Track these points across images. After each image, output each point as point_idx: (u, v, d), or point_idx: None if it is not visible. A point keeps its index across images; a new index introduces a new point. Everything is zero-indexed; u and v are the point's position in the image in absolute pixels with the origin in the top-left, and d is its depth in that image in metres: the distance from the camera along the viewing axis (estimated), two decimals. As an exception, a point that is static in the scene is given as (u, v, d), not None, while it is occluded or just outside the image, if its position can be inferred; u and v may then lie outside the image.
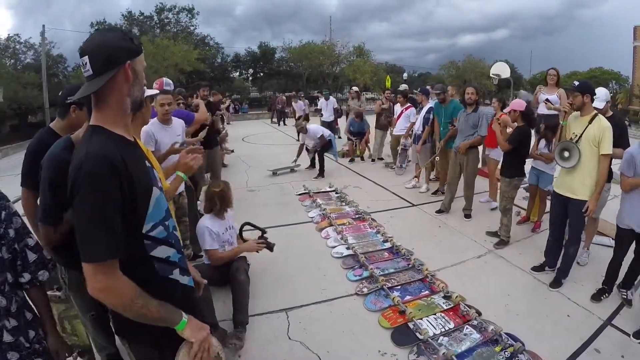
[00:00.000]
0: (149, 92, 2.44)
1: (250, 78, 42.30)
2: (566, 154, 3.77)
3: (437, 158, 6.67)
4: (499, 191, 5.26)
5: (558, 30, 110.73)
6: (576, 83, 3.69)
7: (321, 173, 7.89)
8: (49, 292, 2.03)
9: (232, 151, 10.02)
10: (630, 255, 3.66)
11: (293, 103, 16.45)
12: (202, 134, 5.19)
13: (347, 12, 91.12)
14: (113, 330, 1.53)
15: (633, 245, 3.62)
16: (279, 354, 2.91)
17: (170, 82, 5.13)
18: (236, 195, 6.44)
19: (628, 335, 3.24)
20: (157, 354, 1.48)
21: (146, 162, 1.42)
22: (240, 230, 3.73)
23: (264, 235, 3.67)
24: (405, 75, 38.54)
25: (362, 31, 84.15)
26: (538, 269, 4.29)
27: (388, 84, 24.13)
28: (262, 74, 40.95)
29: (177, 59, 26.40)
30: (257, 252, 3.59)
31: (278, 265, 4.19)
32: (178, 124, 3.98)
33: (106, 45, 1.24)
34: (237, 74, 41.67)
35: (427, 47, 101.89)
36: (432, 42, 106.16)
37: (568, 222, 4.03)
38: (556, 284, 4.00)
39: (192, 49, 29.03)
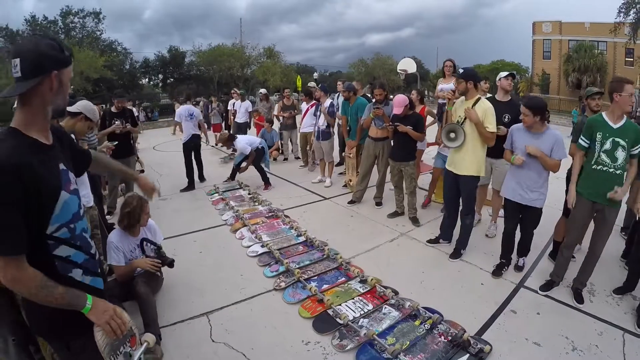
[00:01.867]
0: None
1: (160, 84, 40.49)
2: (452, 135, 4.09)
3: (351, 155, 6.76)
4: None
5: (462, 28, 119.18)
6: (461, 70, 4.05)
7: (266, 182, 7.29)
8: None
9: (142, 171, 9.14)
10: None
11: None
12: (110, 144, 4.93)
13: (256, 15, 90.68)
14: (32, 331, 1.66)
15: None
16: (204, 358, 2.88)
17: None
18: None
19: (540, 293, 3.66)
20: (72, 345, 1.56)
21: (60, 164, 1.48)
22: (141, 246, 3.56)
23: (160, 251, 3.57)
24: (316, 74, 38.87)
25: (272, 33, 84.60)
26: (433, 241, 4.68)
27: (299, 83, 24.31)
28: (172, 80, 39.33)
29: (82, 67, 24.74)
30: (155, 270, 3.49)
31: (195, 271, 4.13)
32: None
33: (37, 51, 1.32)
34: (147, 80, 39.77)
35: (336, 47, 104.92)
36: (341, 42, 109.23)
37: (462, 199, 4.35)
38: (455, 254, 4.36)
39: (99, 55, 27.48)
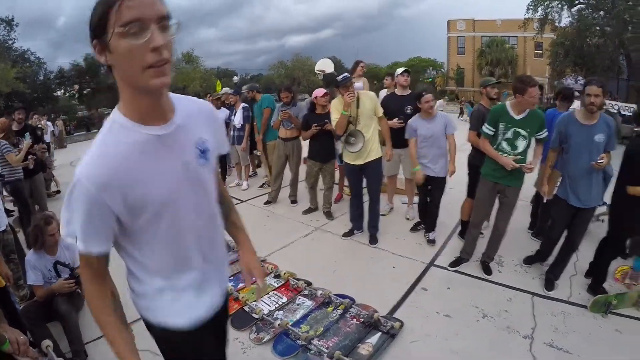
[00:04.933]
0: None
1: (77, 95, 37.79)
2: (352, 139, 4.19)
3: (259, 152, 6.82)
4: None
5: (379, 27, 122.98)
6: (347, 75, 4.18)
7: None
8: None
9: (59, 191, 8.13)
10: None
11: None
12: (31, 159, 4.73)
13: (175, 19, 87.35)
14: None
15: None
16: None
17: None
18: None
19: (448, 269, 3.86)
20: None
21: None
22: (55, 269, 3.30)
23: (74, 271, 3.28)
24: (236, 78, 38.09)
25: (191, 38, 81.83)
26: (348, 234, 4.74)
27: (219, 88, 23.86)
28: (89, 90, 36.87)
29: (-8, 81, 22.26)
30: (75, 291, 3.26)
31: (117, 282, 3.80)
32: None
33: None
34: (62, 91, 36.95)
35: (257, 49, 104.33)
36: (261, 45, 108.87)
37: (367, 187, 4.48)
38: (373, 239, 4.50)
39: (10, 66, 24.76)
